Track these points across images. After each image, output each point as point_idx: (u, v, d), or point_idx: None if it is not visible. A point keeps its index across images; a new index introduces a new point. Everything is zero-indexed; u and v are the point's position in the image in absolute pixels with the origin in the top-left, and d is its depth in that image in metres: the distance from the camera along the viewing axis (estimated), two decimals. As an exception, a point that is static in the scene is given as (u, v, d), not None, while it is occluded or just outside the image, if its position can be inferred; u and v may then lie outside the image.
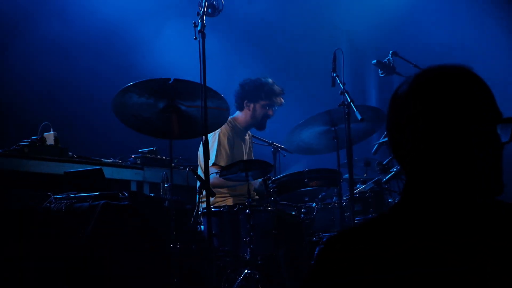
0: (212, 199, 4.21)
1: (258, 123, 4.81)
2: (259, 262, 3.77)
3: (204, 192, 3.36)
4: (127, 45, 6.17)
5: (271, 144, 5.03)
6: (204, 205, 3.29)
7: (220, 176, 3.94)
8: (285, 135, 4.43)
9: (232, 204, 4.35)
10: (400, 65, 4.20)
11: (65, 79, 5.76)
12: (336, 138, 4.17)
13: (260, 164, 3.88)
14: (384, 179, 4.00)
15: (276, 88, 4.75)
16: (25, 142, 4.31)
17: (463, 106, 1.20)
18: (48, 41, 5.74)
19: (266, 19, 6.85)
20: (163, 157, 5.20)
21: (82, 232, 3.55)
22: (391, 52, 4.16)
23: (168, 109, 3.58)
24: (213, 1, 3.28)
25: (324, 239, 4.03)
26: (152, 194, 4.46)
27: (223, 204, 4.34)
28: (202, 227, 3.90)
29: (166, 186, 3.93)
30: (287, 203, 4.17)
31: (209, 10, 3.25)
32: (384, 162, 4.03)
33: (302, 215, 3.99)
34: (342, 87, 3.80)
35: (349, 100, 3.74)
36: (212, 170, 4.17)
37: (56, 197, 3.81)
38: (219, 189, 4.44)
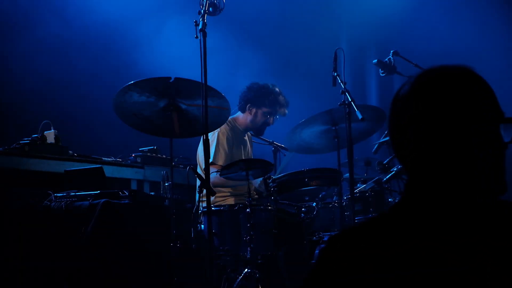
0: (212, 198, 4.21)
1: (256, 128, 4.81)
2: (259, 261, 3.77)
3: (204, 191, 3.36)
4: (128, 43, 6.17)
5: (271, 143, 5.03)
6: (205, 204, 3.29)
7: (220, 175, 3.94)
8: (286, 134, 4.43)
9: (232, 203, 4.35)
10: (401, 65, 4.19)
11: (65, 78, 5.76)
12: (336, 138, 4.17)
13: (260, 163, 3.87)
14: (385, 179, 4.00)
15: (281, 98, 4.74)
16: (26, 141, 4.32)
17: (463, 106, 1.20)
18: (49, 39, 5.74)
19: (267, 19, 6.85)
20: (164, 156, 5.20)
21: (83, 231, 3.55)
22: (392, 51, 4.16)
23: (168, 108, 3.58)
24: (214, 0, 3.28)
25: (325, 239, 4.03)
26: (153, 193, 4.46)
27: (224, 203, 4.34)
28: (202, 226, 3.90)
29: (167, 185, 3.94)
30: (287, 202, 4.16)
31: (210, 9, 3.24)
32: (385, 162, 4.03)
33: (303, 214, 3.99)
34: (343, 87, 3.80)
35: (350, 100, 3.73)
36: (210, 169, 4.17)
37: (56, 195, 3.81)
38: (219, 188, 4.44)
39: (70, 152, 4.61)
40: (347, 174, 4.00)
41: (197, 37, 3.15)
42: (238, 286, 3.63)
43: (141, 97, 3.54)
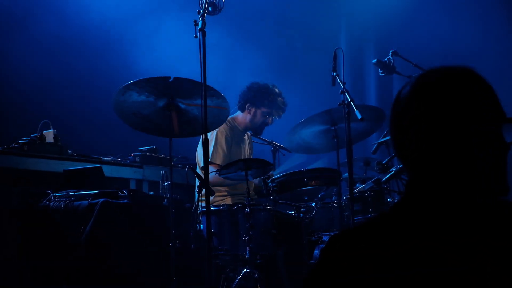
0: (211, 198, 4.20)
1: (255, 127, 4.82)
2: (258, 261, 3.77)
3: (203, 191, 3.36)
4: (127, 42, 6.16)
5: (270, 143, 5.04)
6: (204, 203, 3.29)
7: (220, 175, 3.94)
8: (285, 134, 4.42)
9: (231, 203, 4.35)
10: (400, 65, 4.20)
11: (64, 77, 5.76)
12: (336, 137, 4.17)
13: (259, 163, 3.87)
14: (384, 179, 4.00)
15: (280, 100, 4.74)
16: (25, 140, 4.31)
17: (463, 106, 1.21)
18: (48, 39, 5.73)
19: (266, 18, 6.85)
20: (163, 156, 5.20)
21: (81, 230, 3.55)
22: (391, 51, 4.17)
23: (168, 108, 3.58)
24: (213, 0, 3.27)
25: (324, 239, 4.03)
26: (152, 193, 4.46)
27: (223, 203, 4.34)
28: (201, 226, 3.90)
29: (166, 185, 3.93)
30: (286, 202, 4.16)
31: (210, 8, 3.24)
32: (384, 162, 4.03)
33: (302, 214, 3.99)
34: (342, 86, 3.80)
35: (349, 100, 3.73)
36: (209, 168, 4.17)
37: (55, 195, 3.81)
38: (218, 188, 4.44)
39: (69, 151, 4.61)
40: (346, 174, 4.00)
41: (196, 36, 3.14)
42: (237, 286, 3.62)
43: (141, 97, 3.54)
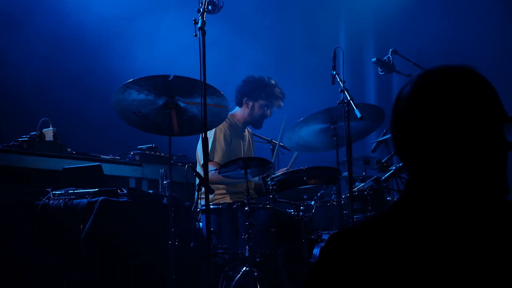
0: (210, 196, 4.20)
1: (255, 121, 4.81)
2: (258, 259, 3.77)
3: (203, 189, 3.36)
4: (127, 41, 6.16)
5: (270, 141, 5.04)
6: (203, 202, 3.29)
7: (219, 173, 3.94)
8: (285, 133, 4.42)
9: (230, 201, 4.35)
10: (400, 63, 4.20)
11: (64, 75, 5.76)
12: (335, 136, 4.17)
13: (259, 162, 3.87)
14: (383, 177, 4.00)
15: (277, 90, 4.74)
16: (24, 138, 4.32)
17: (463, 106, 1.21)
18: (47, 37, 5.73)
19: (266, 17, 6.85)
20: (162, 154, 5.20)
21: (81, 228, 3.55)
22: (391, 50, 4.16)
23: (167, 106, 3.58)
24: (213, -2, 3.27)
25: (323, 237, 4.03)
26: (151, 191, 4.46)
27: (222, 202, 4.34)
28: (201, 224, 3.90)
29: (165, 183, 3.93)
30: (286, 200, 4.16)
31: (209, 7, 3.23)
32: (383, 160, 4.03)
33: (301, 213, 3.98)
34: (341, 85, 3.80)
35: (349, 98, 3.73)
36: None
37: (54, 193, 3.81)
38: (218, 186, 4.44)
39: (69, 149, 4.61)
40: (346, 173, 4.00)
41: (196, 35, 3.14)
42: (236, 284, 3.63)
43: (140, 95, 3.54)
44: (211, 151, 4.44)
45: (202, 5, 3.22)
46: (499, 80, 1.62)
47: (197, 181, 3.73)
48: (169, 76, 3.46)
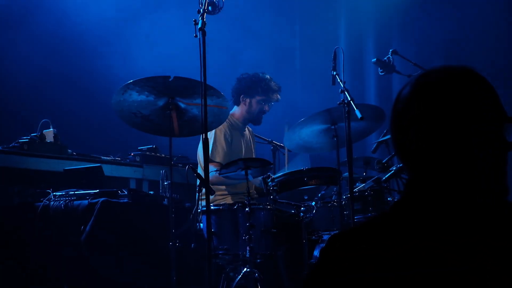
0: (211, 197, 4.20)
1: (253, 118, 4.81)
2: (258, 260, 3.77)
3: (203, 190, 3.36)
4: (127, 41, 6.16)
5: (270, 142, 5.03)
6: (204, 203, 3.29)
7: (219, 174, 3.94)
8: (285, 133, 4.42)
9: (231, 202, 4.35)
10: (400, 64, 4.19)
11: (64, 76, 5.76)
12: (336, 137, 4.16)
13: (259, 162, 3.87)
14: (384, 178, 4.00)
15: (273, 84, 4.74)
16: (25, 139, 4.32)
17: (463, 106, 1.21)
18: (47, 37, 5.73)
19: (266, 17, 6.85)
20: (163, 155, 5.20)
21: (81, 230, 3.55)
22: (391, 50, 4.16)
23: (168, 107, 3.58)
24: (213, -1, 3.27)
25: (324, 238, 4.02)
26: (152, 192, 4.46)
27: (223, 202, 4.34)
28: (201, 225, 3.90)
29: (166, 184, 3.93)
30: (286, 201, 4.16)
31: (210, 8, 3.23)
32: (384, 161, 4.03)
33: (302, 213, 3.98)
34: (342, 86, 3.80)
35: (349, 99, 3.73)
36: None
37: (55, 194, 3.81)
38: (218, 187, 4.44)
39: (69, 151, 4.62)
40: (346, 173, 4.00)
41: (196, 36, 3.14)
42: (237, 285, 3.62)
43: (140, 96, 3.54)
44: (212, 152, 4.44)
45: (202, 6, 3.22)
46: (499, 80, 1.62)
47: (198, 182, 3.73)
48: (169, 77, 3.46)
